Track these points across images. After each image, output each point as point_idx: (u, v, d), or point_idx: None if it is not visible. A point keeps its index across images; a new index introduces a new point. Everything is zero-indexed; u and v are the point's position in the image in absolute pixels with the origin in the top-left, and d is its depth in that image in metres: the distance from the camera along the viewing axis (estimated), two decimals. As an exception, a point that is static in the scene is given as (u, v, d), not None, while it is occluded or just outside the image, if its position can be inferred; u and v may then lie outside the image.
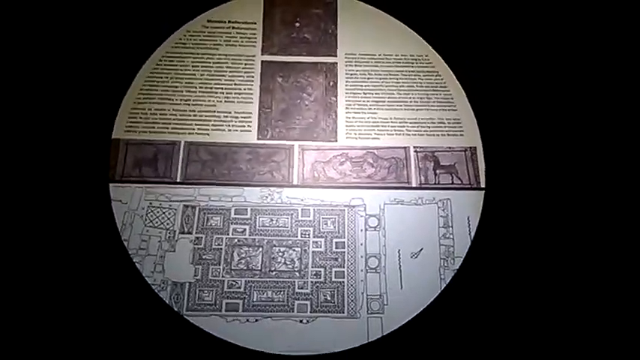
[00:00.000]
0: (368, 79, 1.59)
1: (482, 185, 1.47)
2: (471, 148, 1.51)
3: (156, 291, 1.31)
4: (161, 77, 1.56)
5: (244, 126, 1.52)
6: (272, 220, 1.41)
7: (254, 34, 1.64)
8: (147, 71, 1.55)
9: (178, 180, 1.44)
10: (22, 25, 1.49)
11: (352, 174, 1.47)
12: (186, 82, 1.56)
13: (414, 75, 1.60)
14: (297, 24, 1.66)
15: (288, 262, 1.36)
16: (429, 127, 1.54)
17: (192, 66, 1.58)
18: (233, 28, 1.64)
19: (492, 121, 1.52)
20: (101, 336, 1.26)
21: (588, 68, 1.51)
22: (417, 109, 1.56)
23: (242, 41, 1.63)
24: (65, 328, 1.27)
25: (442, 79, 1.59)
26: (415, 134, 1.53)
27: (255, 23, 1.65)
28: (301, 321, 1.31)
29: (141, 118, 1.51)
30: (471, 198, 1.45)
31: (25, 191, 1.37)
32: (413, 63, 1.62)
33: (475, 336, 1.29)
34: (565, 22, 1.55)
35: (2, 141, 1.38)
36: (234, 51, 1.61)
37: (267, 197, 1.43)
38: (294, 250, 1.38)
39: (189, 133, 1.50)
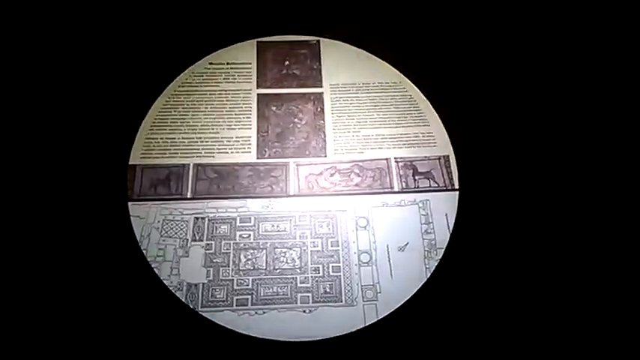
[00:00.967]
0: (351, 104, 1.83)
1: (457, 187, 1.67)
2: (444, 156, 1.72)
3: (173, 292, 1.47)
4: (171, 111, 1.78)
5: (245, 148, 1.73)
6: (273, 226, 1.59)
7: (249, 72, 1.88)
8: (158, 106, 1.78)
9: (189, 196, 1.63)
10: (48, 61, 1.73)
11: (341, 183, 1.67)
12: (192, 114, 1.78)
13: (391, 98, 1.84)
14: (287, 62, 1.92)
15: (290, 261, 1.54)
16: (407, 141, 1.76)
17: (197, 100, 1.81)
18: (231, 68, 1.89)
19: (461, 132, 1.75)
20: (125, 334, 1.41)
21: (546, 77, 1.76)
22: (395, 127, 1.78)
23: (240, 78, 1.87)
24: (91, 330, 1.41)
25: (415, 100, 1.83)
26: (395, 147, 1.75)
27: (250, 63, 1.90)
28: (304, 311, 1.46)
29: (154, 145, 1.71)
30: (447, 198, 1.65)
31: (54, 212, 1.55)
32: (388, 89, 1.86)
33: (458, 316, 1.45)
34: (521, 36, 1.81)
35: (36, 168, 1.58)
36: (233, 87, 1.85)
37: (267, 207, 1.62)
38: (294, 250, 1.55)
39: (197, 156, 1.70)
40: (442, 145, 1.75)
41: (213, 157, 1.71)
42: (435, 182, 1.68)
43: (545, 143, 1.67)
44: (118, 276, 1.45)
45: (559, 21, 1.85)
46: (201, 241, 1.55)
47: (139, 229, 1.56)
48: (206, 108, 1.80)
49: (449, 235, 1.58)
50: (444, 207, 1.63)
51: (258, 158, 1.71)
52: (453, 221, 1.60)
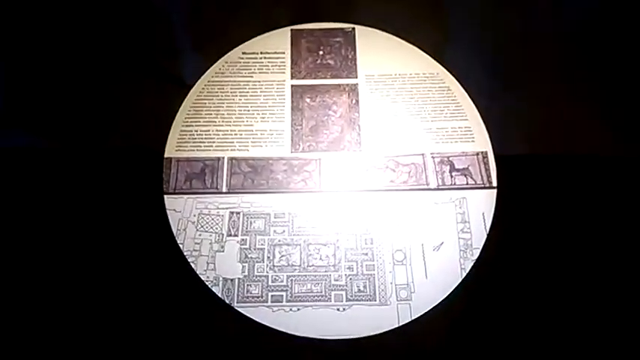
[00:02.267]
0: (386, 95, 1.79)
1: (494, 184, 1.63)
2: (482, 152, 1.68)
3: (209, 287, 1.49)
4: (205, 103, 1.77)
5: (279, 142, 1.72)
6: (307, 222, 1.59)
7: (283, 62, 1.86)
8: (192, 98, 1.78)
9: (224, 190, 1.64)
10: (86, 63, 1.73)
11: (376, 179, 1.65)
12: (226, 106, 1.77)
13: (427, 90, 1.79)
14: (321, 52, 1.88)
15: (324, 258, 1.54)
16: (444, 135, 1.72)
17: (231, 92, 1.80)
18: (265, 57, 1.86)
19: (500, 128, 1.70)
20: (162, 328, 1.45)
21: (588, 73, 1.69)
22: (432, 120, 1.74)
23: (273, 69, 1.84)
24: (130, 324, 1.46)
25: (453, 93, 1.78)
26: (431, 142, 1.71)
27: (284, 53, 1.87)
28: (338, 309, 1.47)
29: (189, 138, 1.71)
30: (484, 196, 1.61)
31: (91, 207, 1.58)
32: (425, 80, 1.81)
33: (494, 317, 1.44)
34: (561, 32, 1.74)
35: (74, 162, 1.60)
36: (266, 77, 1.83)
37: (301, 202, 1.61)
38: (328, 247, 1.55)
39: (231, 150, 1.70)
40: (480, 140, 1.70)
41: (247, 150, 1.70)
42: (473, 179, 1.65)
43: (585, 146, 1.61)
44: (155, 270, 1.49)
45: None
46: (237, 236, 1.57)
47: (175, 222, 1.57)
48: (240, 99, 1.79)
49: (485, 235, 1.55)
50: (481, 206, 1.60)
51: (292, 152, 1.70)
52: (490, 220, 1.57)
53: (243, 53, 1.88)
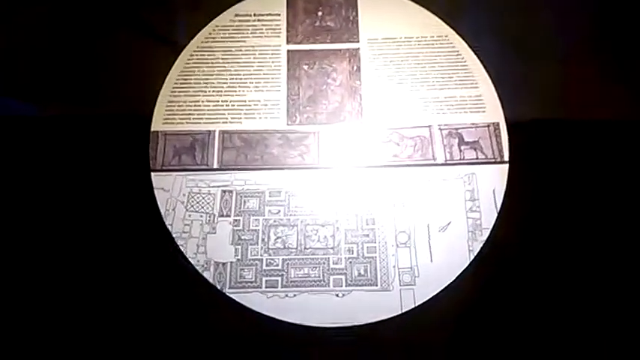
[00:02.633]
0: (390, 61, 1.65)
1: (506, 159, 1.51)
2: (493, 123, 1.55)
3: (200, 271, 1.40)
4: (194, 71, 1.64)
5: (274, 113, 1.59)
6: (305, 201, 1.48)
7: (278, 25, 1.71)
8: (180, 66, 1.64)
9: (215, 167, 1.52)
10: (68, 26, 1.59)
11: (379, 153, 1.53)
12: (217, 75, 1.64)
13: (435, 55, 1.64)
14: (320, 13, 1.72)
15: (322, 240, 1.44)
16: (452, 106, 1.58)
17: (222, 58, 1.66)
18: (258, 20, 1.71)
19: (513, 97, 1.56)
20: (150, 315, 1.37)
21: (612, 43, 1.54)
22: (440, 89, 1.60)
23: (267, 32, 1.70)
24: (116, 310, 1.38)
25: (463, 58, 1.63)
26: (439, 113, 1.58)
27: (280, 15, 1.72)
28: (337, 295, 1.38)
29: (177, 110, 1.59)
30: (495, 171, 1.49)
31: (73, 185, 1.48)
32: (433, 44, 1.66)
33: (503, 303, 1.35)
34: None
35: (53, 139, 1.49)
36: (260, 42, 1.68)
37: (298, 179, 1.50)
38: (326, 228, 1.45)
39: (223, 122, 1.58)
40: (492, 111, 1.57)
41: (240, 122, 1.58)
42: (483, 153, 1.52)
43: (606, 112, 1.47)
44: (141, 253, 1.40)
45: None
46: (229, 216, 1.47)
47: (164, 202, 1.47)
48: (232, 67, 1.65)
49: (496, 214, 1.44)
50: (492, 182, 1.48)
51: (288, 125, 1.58)
52: (502, 198, 1.46)
53: (236, 16, 1.72)
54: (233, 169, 1.52)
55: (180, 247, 1.43)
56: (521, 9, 1.56)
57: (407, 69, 1.63)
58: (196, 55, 1.66)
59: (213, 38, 1.69)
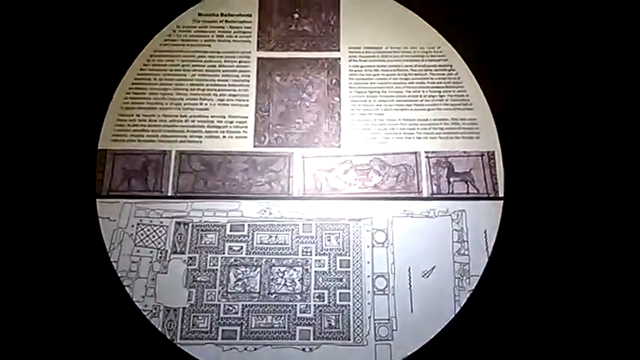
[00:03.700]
0: (374, 75, 1.45)
1: (501, 195, 1.34)
2: (488, 152, 1.37)
3: (148, 317, 1.22)
4: (149, 79, 1.43)
5: (240, 132, 1.40)
6: (271, 237, 1.30)
7: (249, 28, 1.50)
8: (134, 73, 1.43)
9: (169, 194, 1.33)
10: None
11: (357, 183, 1.35)
12: (176, 84, 1.43)
13: (425, 70, 1.45)
14: (296, 15, 1.51)
15: (289, 284, 1.26)
16: (442, 129, 1.40)
17: (183, 65, 1.45)
18: (226, 21, 1.50)
19: (512, 122, 1.38)
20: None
21: (620, 65, 1.35)
22: (429, 109, 1.42)
23: (236, 36, 1.49)
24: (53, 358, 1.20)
25: (456, 74, 1.44)
26: (427, 137, 1.39)
27: (250, 15, 1.51)
28: (304, 349, 1.21)
29: (128, 125, 1.39)
30: (488, 209, 1.32)
31: (6, 210, 1.28)
32: (424, 56, 1.47)
33: (492, 363, 1.19)
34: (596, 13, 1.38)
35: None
36: (227, 47, 1.47)
37: (265, 211, 1.32)
38: (294, 269, 1.28)
39: (181, 141, 1.38)
40: (487, 137, 1.39)
41: (200, 141, 1.39)
42: (474, 187, 1.35)
43: (625, 150, 1.30)
44: (82, 294, 1.21)
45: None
46: (183, 253, 1.28)
47: (109, 234, 1.29)
48: (193, 76, 1.44)
49: (487, 260, 1.28)
50: (483, 221, 1.31)
51: (255, 146, 1.39)
52: (493, 241, 1.29)
53: (200, 15, 1.51)
54: (190, 197, 1.33)
55: (126, 289, 1.25)
56: (534, 20, 1.37)
57: (393, 84, 1.44)
58: (153, 60, 1.45)
59: (173, 41, 1.48)
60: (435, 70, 1.45)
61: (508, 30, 1.42)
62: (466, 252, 1.29)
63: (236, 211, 1.32)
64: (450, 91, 1.43)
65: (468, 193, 1.34)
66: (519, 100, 1.39)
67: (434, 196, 1.34)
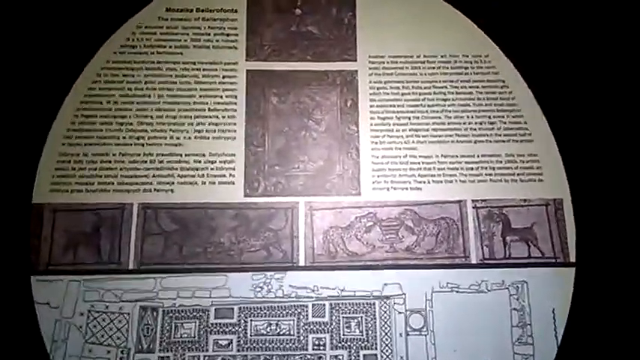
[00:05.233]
0: (402, 95, 1.10)
1: (572, 259, 1.02)
2: (555, 200, 1.05)
3: None
4: (100, 103, 1.07)
5: (225, 176, 1.05)
6: (270, 325, 0.97)
7: (234, 28, 1.13)
8: (78, 94, 1.07)
9: (131, 266, 1.00)
10: None
11: (384, 245, 1.03)
12: (137, 109, 1.07)
13: (470, 87, 1.11)
14: (298, 10, 1.13)
15: (297, 391, 0.95)
16: (494, 169, 1.07)
17: (146, 83, 1.08)
18: (204, 19, 1.13)
19: (587, 160, 1.04)
20: None
21: None
22: (475, 141, 1.08)
23: (217, 40, 1.12)
24: None
25: (510, 93, 1.10)
26: (474, 180, 1.06)
27: (237, 12, 1.13)
28: None
29: (73, 168, 1.04)
30: (556, 279, 1.01)
31: None
32: (467, 68, 1.12)
33: None
34: None
35: None
36: (206, 56, 1.11)
37: (262, 288, 0.99)
38: (304, 370, 0.95)
39: (145, 190, 1.03)
40: (553, 179, 1.06)
41: (171, 190, 1.04)
42: (538, 248, 1.03)
43: None
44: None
45: None
46: (152, 352, 0.96)
47: (49, 327, 0.95)
48: (160, 97, 1.07)
49: (556, 349, 0.97)
50: (551, 296, 1.00)
51: (247, 195, 1.04)
52: (564, 322, 0.98)
53: (167, 11, 1.12)
54: (159, 271, 0.99)
55: (75, 407, 0.92)
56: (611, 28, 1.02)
57: (428, 107, 1.10)
58: (104, 76, 1.08)
59: (132, 48, 1.10)
60: (483, 88, 1.10)
61: (581, 33, 1.06)
62: (530, 340, 0.98)
63: (222, 288, 0.99)
64: (502, 117, 1.09)
65: (529, 256, 1.03)
66: (597, 129, 1.05)
67: (485, 262, 1.02)
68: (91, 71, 1.07)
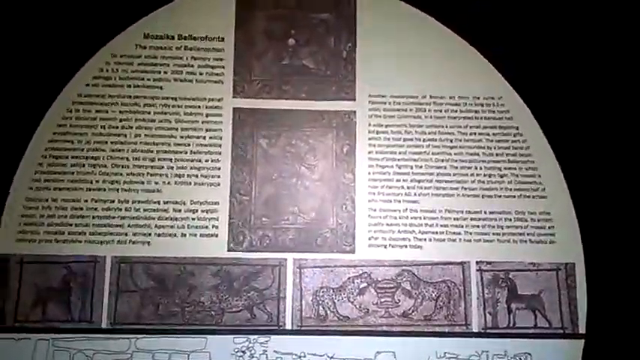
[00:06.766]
0: (404, 140, 1.00)
1: (582, 331, 0.94)
2: (567, 265, 0.96)
3: None
4: (71, 141, 0.98)
5: (207, 227, 0.97)
6: (255, 396, 0.90)
7: (220, 60, 1.02)
8: (47, 132, 0.97)
9: (104, 325, 0.94)
10: None
11: (379, 310, 0.96)
12: (111, 150, 0.97)
13: (480, 134, 1.01)
14: (292, 40, 1.02)
15: None
16: (502, 228, 0.98)
17: (121, 119, 0.99)
18: (186, 48, 1.02)
19: (604, 221, 0.95)
20: None
21: None
22: (483, 196, 0.98)
23: (202, 73, 1.01)
24: None
25: (525, 142, 1.00)
26: (479, 239, 0.98)
27: (223, 40, 1.01)
28: None
29: (41, 216, 0.95)
30: (564, 351, 0.94)
31: None
32: (477, 112, 1.02)
33: None
34: None
35: None
36: (188, 91, 1.00)
37: (244, 352, 0.93)
38: None
39: (119, 242, 0.95)
40: (566, 242, 0.97)
41: (148, 243, 0.96)
42: (545, 319, 0.95)
43: None
44: None
45: None
46: None
47: (14, 392, 0.88)
48: (136, 137, 0.98)
49: None
50: (559, 372, 0.92)
51: (230, 249, 0.96)
52: (573, 403, 0.91)
53: (146, 37, 1.01)
54: (133, 332, 0.92)
55: None
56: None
57: (432, 156, 1.00)
58: (76, 110, 0.98)
59: (106, 80, 0.99)
60: (494, 135, 1.00)
61: (603, 81, 0.95)
62: (533, 420, 0.91)
63: (201, 351, 0.94)
64: (514, 169, 0.99)
65: (535, 326, 0.96)
66: (617, 187, 0.95)
67: (487, 331, 0.95)
68: (61, 106, 0.98)
